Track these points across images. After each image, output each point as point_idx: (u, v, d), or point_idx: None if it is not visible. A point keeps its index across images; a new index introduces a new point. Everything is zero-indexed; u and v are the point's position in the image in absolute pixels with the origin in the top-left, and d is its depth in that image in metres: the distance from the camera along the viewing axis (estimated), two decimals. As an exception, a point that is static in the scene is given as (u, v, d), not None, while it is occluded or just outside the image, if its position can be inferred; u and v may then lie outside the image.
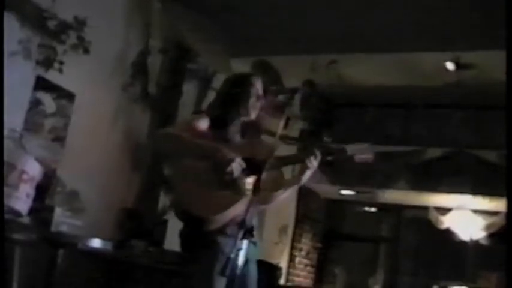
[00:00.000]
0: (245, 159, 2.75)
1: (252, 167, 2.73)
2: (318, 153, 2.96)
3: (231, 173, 2.68)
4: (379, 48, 6.36)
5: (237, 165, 2.69)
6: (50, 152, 4.67)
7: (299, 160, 3.05)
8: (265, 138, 3.06)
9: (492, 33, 5.14)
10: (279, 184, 3.00)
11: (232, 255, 2.49)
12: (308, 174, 2.99)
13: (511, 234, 3.00)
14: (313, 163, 2.95)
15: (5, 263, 3.46)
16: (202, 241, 2.74)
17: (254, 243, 2.83)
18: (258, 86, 3.05)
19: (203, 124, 2.92)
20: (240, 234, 2.49)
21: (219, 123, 2.95)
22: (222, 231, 2.72)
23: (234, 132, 2.99)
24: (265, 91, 3.07)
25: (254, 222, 2.77)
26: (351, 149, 2.99)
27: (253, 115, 3.04)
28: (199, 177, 2.77)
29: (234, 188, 2.73)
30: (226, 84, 3.13)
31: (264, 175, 2.61)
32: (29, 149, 4.39)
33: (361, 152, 2.99)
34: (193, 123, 2.91)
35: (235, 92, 3.05)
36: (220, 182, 2.72)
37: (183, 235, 2.86)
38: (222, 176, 2.69)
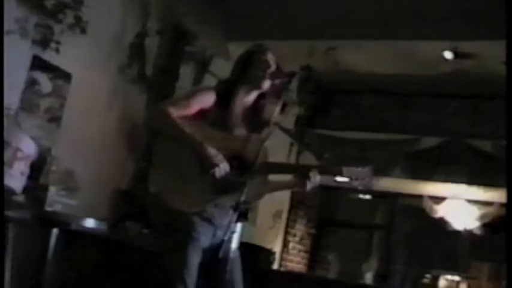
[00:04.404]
0: (235, 156, 2.69)
1: (241, 164, 2.68)
2: (314, 176, 2.78)
3: (213, 174, 2.61)
4: (378, 35, 6.33)
5: (220, 170, 2.61)
6: (45, 132, 4.66)
7: (295, 181, 2.93)
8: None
9: (490, 23, 5.13)
10: (263, 192, 2.88)
11: (226, 238, 2.50)
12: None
13: (511, 225, 2.98)
14: (310, 185, 2.79)
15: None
16: (176, 220, 2.65)
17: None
18: (268, 54, 2.91)
19: (206, 100, 2.79)
20: (234, 217, 2.49)
21: (226, 98, 2.83)
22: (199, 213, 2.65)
23: (238, 112, 2.85)
24: (277, 64, 2.89)
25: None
26: (348, 171, 2.79)
27: (265, 85, 2.86)
28: (180, 166, 2.69)
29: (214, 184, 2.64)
30: (237, 60, 3.02)
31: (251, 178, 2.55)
32: (25, 129, 4.37)
33: (359, 176, 2.78)
34: (194, 99, 2.80)
35: (244, 59, 2.95)
36: (202, 176, 2.63)
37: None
38: (204, 171, 2.62)
